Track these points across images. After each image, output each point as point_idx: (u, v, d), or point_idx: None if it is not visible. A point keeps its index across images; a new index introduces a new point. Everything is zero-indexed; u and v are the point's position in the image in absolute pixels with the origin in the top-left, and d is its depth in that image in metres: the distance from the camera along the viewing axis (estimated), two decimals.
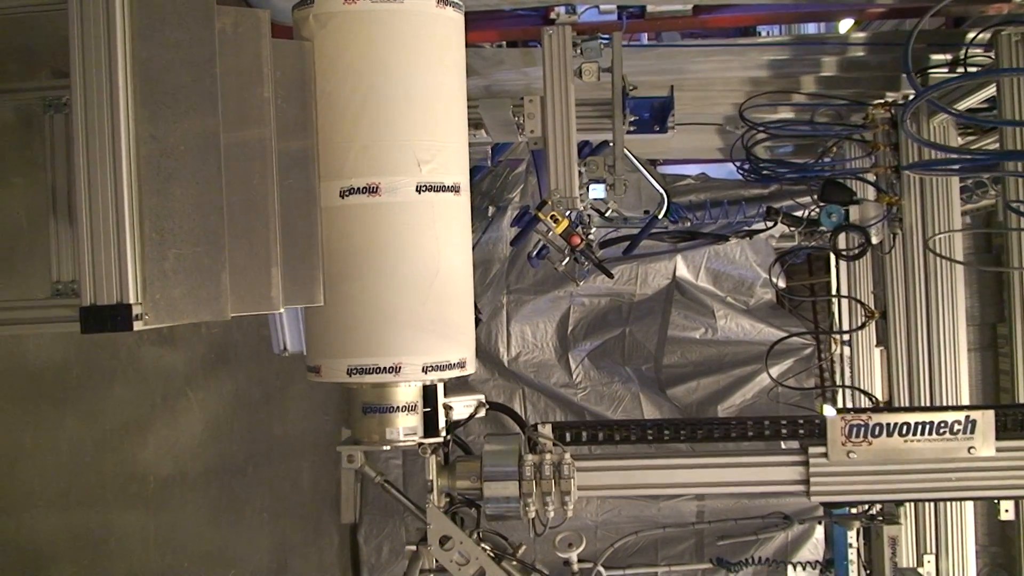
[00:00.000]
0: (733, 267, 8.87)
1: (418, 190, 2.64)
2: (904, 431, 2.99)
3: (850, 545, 6.29)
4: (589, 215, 4.85)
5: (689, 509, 8.54)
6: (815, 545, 8.42)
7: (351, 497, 8.56)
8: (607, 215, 5.15)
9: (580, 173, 4.68)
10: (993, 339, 8.85)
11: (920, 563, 5.26)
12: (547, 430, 3.06)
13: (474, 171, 7.04)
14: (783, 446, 3.26)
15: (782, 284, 8.59)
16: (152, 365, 5.23)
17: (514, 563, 2.97)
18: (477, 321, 5.32)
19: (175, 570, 5.31)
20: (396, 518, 8.56)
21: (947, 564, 5.20)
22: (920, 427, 2.99)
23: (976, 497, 3.26)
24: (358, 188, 2.62)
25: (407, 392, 2.79)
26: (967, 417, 2.98)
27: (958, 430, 2.98)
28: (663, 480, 3.14)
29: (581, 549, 3.19)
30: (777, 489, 3.16)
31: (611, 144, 5.02)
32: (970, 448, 2.98)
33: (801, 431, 3.09)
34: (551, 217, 4.42)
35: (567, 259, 4.59)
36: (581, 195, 4.67)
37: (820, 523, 8.18)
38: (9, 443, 4.01)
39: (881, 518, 5.78)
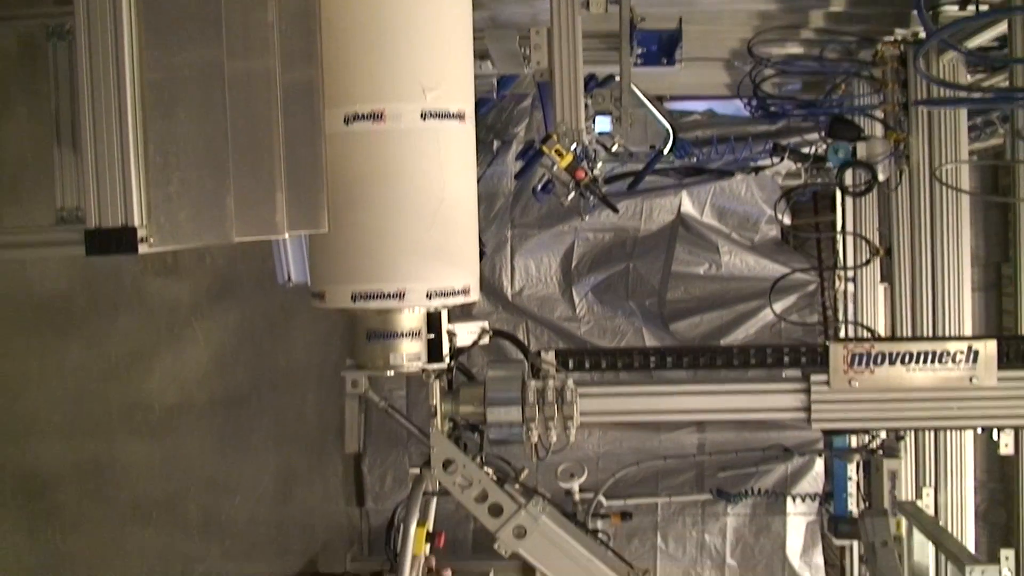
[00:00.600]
0: (738, 203, 8.84)
1: (423, 117, 2.63)
2: (906, 360, 3.00)
3: (849, 478, 6.35)
4: (595, 150, 4.82)
5: (690, 441, 8.60)
6: (815, 478, 8.48)
7: (355, 427, 8.68)
8: (613, 150, 5.12)
9: (586, 106, 4.65)
10: (997, 279, 8.85)
11: (919, 496, 5.31)
12: (550, 356, 3.09)
13: (479, 104, 6.99)
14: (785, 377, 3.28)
15: (787, 221, 8.57)
16: (157, 296, 5.25)
17: (516, 487, 3.01)
18: (481, 255, 5.34)
19: (180, 496, 5.38)
20: (400, 448, 8.65)
21: (945, 497, 5.25)
22: (922, 356, 3.00)
23: (977, 426, 3.27)
24: (362, 115, 2.61)
25: (411, 318, 2.80)
26: (969, 347, 3.00)
27: (960, 360, 2.99)
28: (665, 407, 3.17)
29: (582, 479, 3.24)
30: (779, 416, 3.18)
31: (618, 78, 4.99)
32: (972, 378, 2.99)
33: (803, 359, 3.11)
34: (556, 151, 4.41)
35: (572, 193, 4.58)
36: (587, 128, 4.64)
37: (820, 456, 8.24)
38: (15, 371, 4.03)
39: (881, 452, 5.83)
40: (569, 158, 4.39)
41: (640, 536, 8.57)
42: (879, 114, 5.39)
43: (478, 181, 3.94)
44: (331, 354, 8.28)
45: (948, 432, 5.22)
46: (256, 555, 6.53)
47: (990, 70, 5.52)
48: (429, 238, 2.67)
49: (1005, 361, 3.02)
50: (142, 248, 2.30)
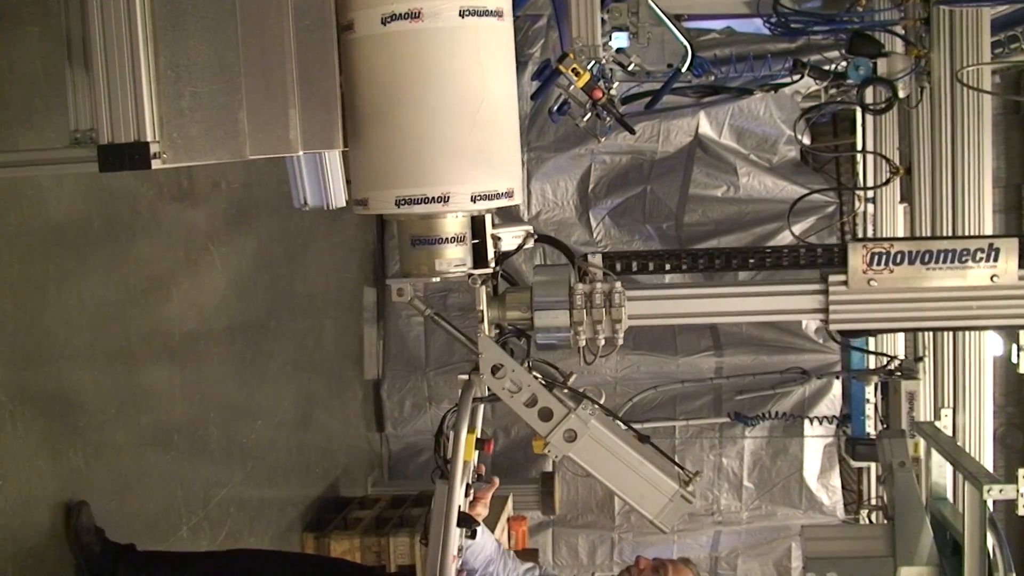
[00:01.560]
0: (757, 124, 8.75)
1: (461, 14, 2.57)
2: (926, 259, 2.97)
3: (867, 400, 6.36)
4: (611, 69, 4.76)
5: (707, 365, 8.63)
6: (832, 400, 8.51)
7: (374, 352, 8.75)
8: (629, 69, 5.06)
9: (603, 21, 4.58)
10: (1018, 201, 8.78)
11: (937, 417, 5.31)
12: (597, 259, 3.07)
13: None
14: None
15: (807, 141, 8.48)
16: (174, 221, 5.25)
17: (565, 391, 3.00)
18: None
19: (201, 420, 5.42)
20: (419, 374, 8.71)
21: (964, 419, 5.24)
22: (942, 255, 2.96)
23: (998, 326, 3.23)
24: (400, 14, 2.55)
25: (455, 223, 2.77)
26: (990, 245, 2.95)
27: (981, 258, 2.95)
28: (697, 309, 3.17)
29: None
30: (798, 317, 3.18)
31: None
32: (993, 276, 2.95)
33: (820, 260, 3.09)
34: (573, 70, 4.34)
35: (588, 114, 4.52)
36: (603, 44, 4.58)
37: (837, 379, 8.26)
38: (33, 295, 4.05)
39: (899, 373, 5.83)
40: (586, 77, 4.32)
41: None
42: (899, 30, 5.30)
43: None
44: (348, 280, 8.31)
45: (966, 353, 5.20)
46: (278, 479, 6.61)
47: None
48: (471, 140, 2.63)
49: None
50: (155, 164, 2.29)
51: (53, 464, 4.11)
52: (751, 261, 3.20)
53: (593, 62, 4.38)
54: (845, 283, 3.01)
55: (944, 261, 2.97)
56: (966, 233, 5.06)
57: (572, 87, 4.40)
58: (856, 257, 2.99)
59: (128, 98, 2.27)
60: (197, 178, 5.48)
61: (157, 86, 2.30)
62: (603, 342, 2.97)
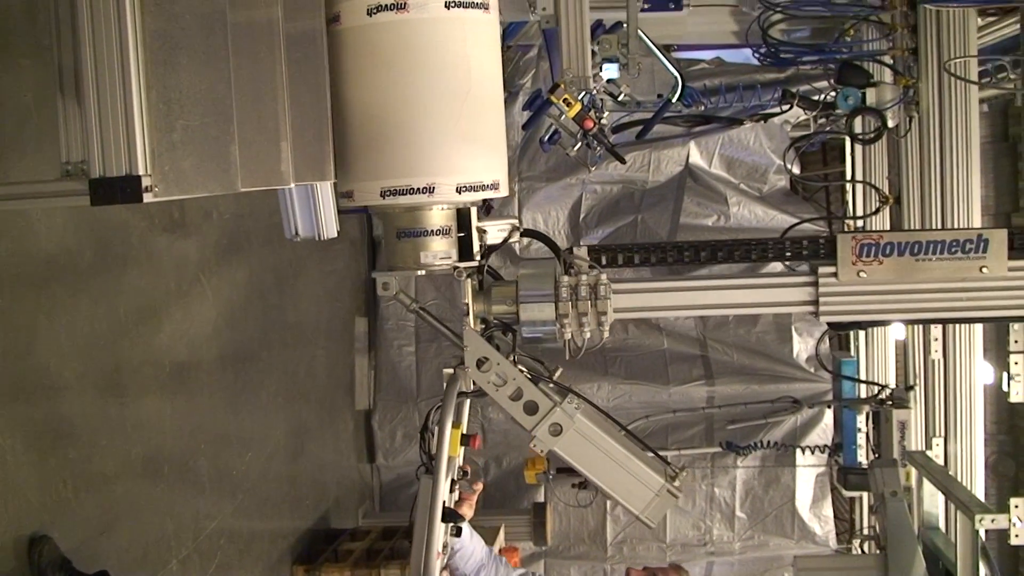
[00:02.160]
0: (747, 153, 8.79)
1: (447, 6, 2.58)
2: (916, 250, 2.96)
3: (859, 429, 6.35)
4: (602, 99, 4.78)
5: (699, 394, 8.62)
6: (824, 430, 8.51)
7: (365, 383, 8.72)
8: (620, 99, 5.07)
9: (593, 52, 4.61)
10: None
11: (929, 446, 5.31)
12: (583, 252, 3.07)
13: None
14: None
15: (796, 170, 8.51)
16: (165, 252, 5.24)
17: (551, 385, 2.99)
18: (488, 209, 5.26)
19: (192, 451, 5.40)
20: (409, 404, 8.69)
21: (955, 447, 5.24)
22: (932, 246, 2.96)
23: (987, 318, 3.23)
24: (386, 5, 2.56)
25: (440, 215, 2.78)
26: (979, 236, 2.95)
27: (970, 249, 2.95)
28: (679, 302, 3.17)
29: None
30: (788, 310, 3.16)
31: (625, 24, 4.94)
32: (982, 267, 2.96)
33: (805, 252, 3.09)
34: (564, 100, 4.35)
35: (579, 144, 4.54)
36: (594, 75, 4.60)
37: (829, 408, 8.24)
38: (24, 326, 4.03)
39: (890, 402, 5.83)
40: (577, 107, 4.34)
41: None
42: (888, 60, 5.33)
43: None
44: (340, 310, 8.30)
45: (957, 382, 5.21)
46: (268, 511, 6.57)
47: (1001, 13, 5.46)
48: (457, 131, 2.64)
49: (1015, 251, 2.96)
50: (147, 197, 2.29)
51: (42, 496, 4.08)
52: (736, 254, 3.18)
53: (584, 92, 4.40)
54: (835, 275, 3.01)
55: (933, 252, 2.96)
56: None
57: (563, 117, 4.42)
58: (845, 248, 2.99)
59: (120, 131, 2.28)
60: (189, 209, 5.48)
61: (149, 119, 2.30)
62: (588, 335, 2.96)
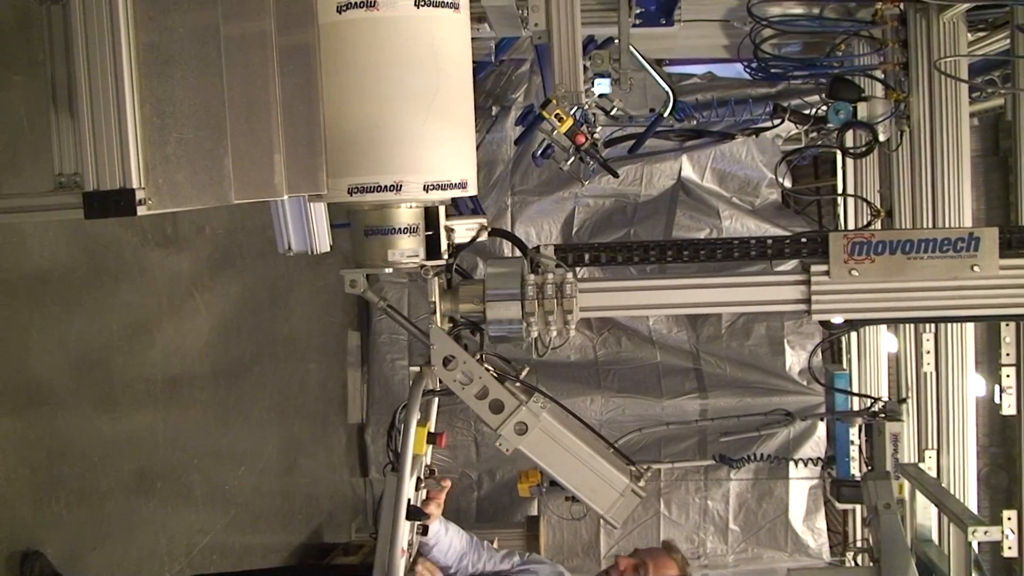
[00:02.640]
0: (739, 167, 8.82)
1: (416, 4, 2.58)
2: (907, 249, 2.96)
3: (852, 442, 6.36)
4: (594, 114, 4.80)
5: (692, 407, 8.63)
6: (817, 442, 8.52)
7: (358, 397, 8.72)
8: (612, 114, 5.09)
9: (585, 67, 4.63)
10: None
11: (921, 459, 5.31)
12: (549, 251, 3.06)
13: (478, 69, 6.97)
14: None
15: (788, 184, 8.53)
16: (158, 267, 5.24)
17: (517, 384, 2.99)
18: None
19: (185, 467, 5.39)
20: None
21: (948, 461, 5.25)
22: (923, 244, 2.95)
23: (979, 317, 3.21)
24: (355, 3, 2.56)
25: (408, 214, 2.78)
26: (971, 235, 2.95)
27: (962, 247, 2.94)
28: (666, 300, 3.14)
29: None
30: (779, 308, 3.15)
31: (616, 40, 4.96)
32: (974, 266, 2.96)
33: (804, 250, 3.08)
34: (556, 116, 4.37)
35: (572, 158, 4.55)
36: (586, 90, 4.62)
37: (822, 420, 8.26)
38: (16, 341, 4.03)
39: (883, 415, 5.84)
40: (569, 122, 4.36)
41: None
42: (879, 74, 5.36)
43: (477, 147, 3.91)
44: (332, 324, 8.30)
45: (950, 394, 5.22)
46: (261, 525, 6.56)
47: (991, 28, 5.48)
48: (425, 129, 2.64)
49: (1007, 249, 2.96)
50: (141, 210, 2.29)
51: (35, 512, 4.07)
52: (702, 253, 3.12)
53: (576, 107, 4.42)
54: (827, 273, 3.01)
55: (925, 251, 2.96)
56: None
57: (555, 132, 4.43)
58: (837, 246, 2.99)
59: (114, 145, 2.28)
60: (181, 224, 5.48)
61: (143, 132, 2.31)
62: (555, 333, 2.97)
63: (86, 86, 2.30)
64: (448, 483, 3.51)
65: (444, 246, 2.90)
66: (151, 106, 2.32)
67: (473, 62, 2.94)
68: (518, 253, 3.13)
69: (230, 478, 6.02)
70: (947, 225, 5.05)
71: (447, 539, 3.53)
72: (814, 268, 3.02)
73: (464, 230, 3.05)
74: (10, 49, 4.01)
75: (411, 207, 2.79)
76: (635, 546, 4.19)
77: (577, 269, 3.08)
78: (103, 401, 4.63)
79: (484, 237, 3.12)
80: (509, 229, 8.64)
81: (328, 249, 5.26)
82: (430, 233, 2.84)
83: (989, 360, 6.85)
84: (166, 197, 2.34)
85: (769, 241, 3.11)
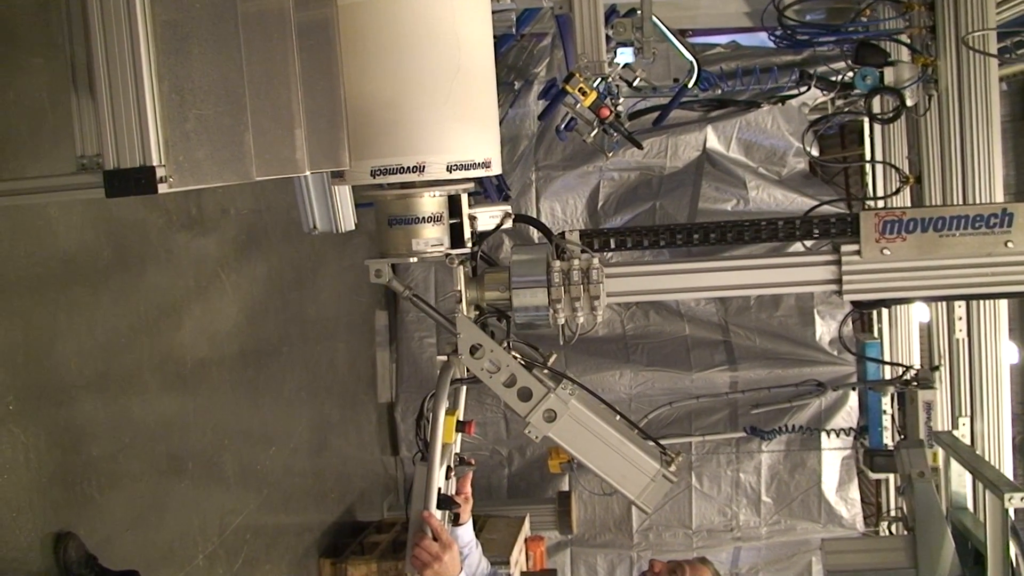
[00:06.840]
0: (765, 137, 8.73)
1: None
2: (939, 226, 2.92)
3: (884, 411, 6.32)
4: (617, 86, 4.75)
5: (722, 380, 8.59)
6: (849, 412, 8.46)
7: (387, 376, 8.73)
8: (635, 85, 5.05)
9: (607, 37, 4.58)
10: None
11: (955, 426, 5.27)
12: (575, 236, 3.05)
13: (499, 43, 6.92)
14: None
15: (815, 152, 8.45)
16: (183, 249, 5.25)
17: (545, 371, 2.98)
18: (506, 198, 5.27)
19: (215, 447, 5.41)
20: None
21: (982, 427, 5.21)
22: (955, 222, 2.91)
23: (1014, 293, 3.17)
24: None
25: (432, 203, 2.76)
26: (1004, 210, 2.90)
27: (995, 224, 2.90)
28: (694, 284, 3.13)
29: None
30: (810, 289, 3.12)
31: (639, 11, 4.91)
32: (1007, 242, 2.91)
33: (833, 230, 3.04)
34: (579, 89, 4.33)
35: (596, 131, 4.52)
36: (609, 60, 4.57)
37: (854, 390, 8.20)
38: (44, 325, 4.04)
39: (916, 383, 5.79)
40: (593, 96, 4.32)
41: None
42: (905, 39, 5.29)
43: (500, 123, 3.88)
44: (360, 304, 8.31)
45: (983, 362, 5.18)
46: (293, 505, 6.58)
47: None
48: (447, 109, 2.61)
49: None
50: (162, 188, 2.28)
51: (67, 495, 4.09)
52: (729, 235, 3.12)
53: (599, 79, 4.37)
54: (858, 252, 2.98)
55: (957, 228, 2.92)
56: None
57: (579, 106, 4.39)
58: (868, 225, 2.95)
59: (133, 123, 2.27)
60: (206, 205, 5.48)
61: (162, 110, 2.29)
62: (582, 320, 2.95)
63: (104, 65, 2.29)
64: (473, 461, 3.50)
65: (468, 234, 2.88)
66: (169, 83, 2.30)
67: (494, 36, 2.91)
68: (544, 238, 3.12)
69: (261, 458, 6.04)
70: (978, 190, 4.99)
71: (476, 555, 3.50)
72: (844, 248, 2.99)
73: (488, 218, 3.03)
74: (29, 31, 4.01)
75: (434, 196, 2.77)
76: (665, 518, 4.16)
77: (606, 253, 3.06)
78: (133, 383, 4.64)
79: (508, 224, 3.10)
80: (534, 204, 8.61)
81: (353, 228, 5.26)
82: (454, 221, 2.82)
83: (1022, 327, 6.77)
84: (187, 174, 2.33)
85: (797, 222, 3.08)
